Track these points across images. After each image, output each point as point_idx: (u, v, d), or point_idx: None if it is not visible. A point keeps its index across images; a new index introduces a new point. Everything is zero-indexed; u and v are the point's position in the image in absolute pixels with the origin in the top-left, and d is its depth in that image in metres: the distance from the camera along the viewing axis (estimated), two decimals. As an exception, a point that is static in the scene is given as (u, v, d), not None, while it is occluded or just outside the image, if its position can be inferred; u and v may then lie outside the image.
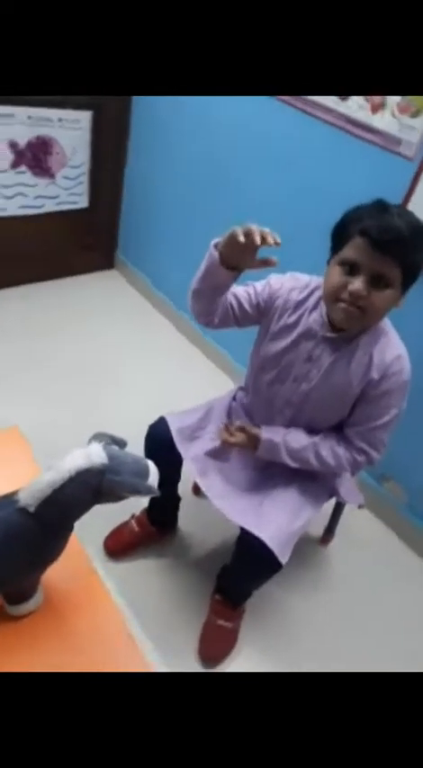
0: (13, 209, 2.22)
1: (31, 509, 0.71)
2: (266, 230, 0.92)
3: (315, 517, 1.26)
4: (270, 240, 0.91)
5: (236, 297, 1.16)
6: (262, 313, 1.18)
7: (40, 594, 0.83)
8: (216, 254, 1.00)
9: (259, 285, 1.18)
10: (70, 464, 0.72)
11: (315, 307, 1.14)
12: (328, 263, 1.08)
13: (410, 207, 1.47)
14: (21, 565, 0.75)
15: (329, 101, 1.58)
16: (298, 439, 1.17)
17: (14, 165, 2.13)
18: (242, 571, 1.26)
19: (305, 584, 1.57)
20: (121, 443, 0.81)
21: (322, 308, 1.12)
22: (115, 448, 0.77)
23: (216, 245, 1.01)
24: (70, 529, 0.79)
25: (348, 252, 1.00)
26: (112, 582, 1.43)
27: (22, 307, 2.37)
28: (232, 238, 0.94)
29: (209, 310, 1.13)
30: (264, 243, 0.91)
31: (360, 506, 1.46)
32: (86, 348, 2.24)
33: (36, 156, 2.14)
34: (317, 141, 1.67)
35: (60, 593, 0.86)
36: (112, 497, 0.75)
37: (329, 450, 1.16)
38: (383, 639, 1.48)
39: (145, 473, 0.78)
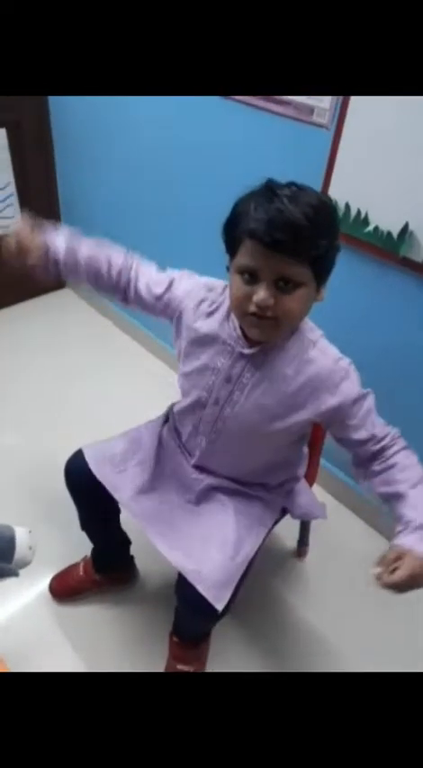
0: None
1: None
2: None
3: (264, 543, 1.13)
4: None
5: (137, 276, 1.07)
6: (162, 311, 1.07)
7: None
8: None
9: (165, 277, 1.06)
10: None
11: (227, 317, 0.98)
12: (228, 269, 0.91)
13: (334, 176, 1.33)
14: None
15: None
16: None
17: None
18: (185, 615, 1.13)
19: (287, 602, 1.46)
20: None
21: (234, 320, 0.96)
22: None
23: None
24: None
25: (243, 258, 0.85)
26: (64, 636, 1.32)
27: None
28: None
29: (97, 285, 1.11)
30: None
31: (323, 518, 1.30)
32: (46, 371, 2.15)
33: None
34: (232, 122, 1.52)
35: None
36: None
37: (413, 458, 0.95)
38: (374, 646, 1.36)
39: (7, 552, 0.68)
